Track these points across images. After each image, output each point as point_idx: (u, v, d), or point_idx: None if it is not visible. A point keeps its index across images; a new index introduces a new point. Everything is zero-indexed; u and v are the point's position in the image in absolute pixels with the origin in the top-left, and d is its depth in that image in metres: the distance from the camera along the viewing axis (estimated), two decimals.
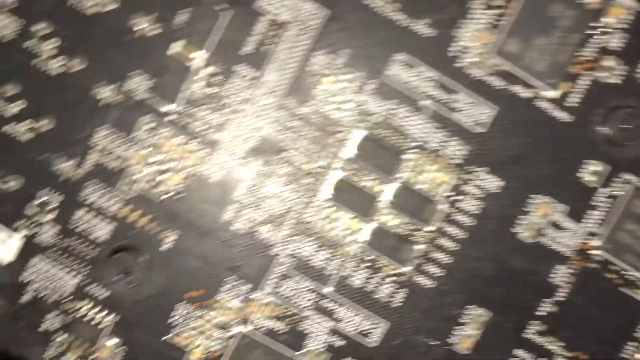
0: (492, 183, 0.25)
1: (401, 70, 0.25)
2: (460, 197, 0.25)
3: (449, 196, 0.25)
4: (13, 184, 0.24)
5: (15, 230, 0.24)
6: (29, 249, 0.24)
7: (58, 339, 0.25)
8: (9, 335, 0.25)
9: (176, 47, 0.24)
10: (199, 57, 0.24)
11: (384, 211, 0.25)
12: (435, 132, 0.25)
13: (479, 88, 0.25)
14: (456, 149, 0.25)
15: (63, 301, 0.25)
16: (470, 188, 0.25)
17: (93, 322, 0.25)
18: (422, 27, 0.25)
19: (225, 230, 0.25)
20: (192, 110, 0.24)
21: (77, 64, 0.24)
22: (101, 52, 0.24)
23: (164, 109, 0.24)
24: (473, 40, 0.25)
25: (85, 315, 0.25)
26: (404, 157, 0.25)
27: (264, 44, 0.24)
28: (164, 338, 0.25)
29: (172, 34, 0.24)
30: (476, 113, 0.25)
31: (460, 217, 0.25)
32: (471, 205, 0.25)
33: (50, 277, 0.25)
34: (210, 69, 0.24)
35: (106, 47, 0.24)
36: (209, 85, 0.24)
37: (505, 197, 0.26)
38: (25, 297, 0.25)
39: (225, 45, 0.24)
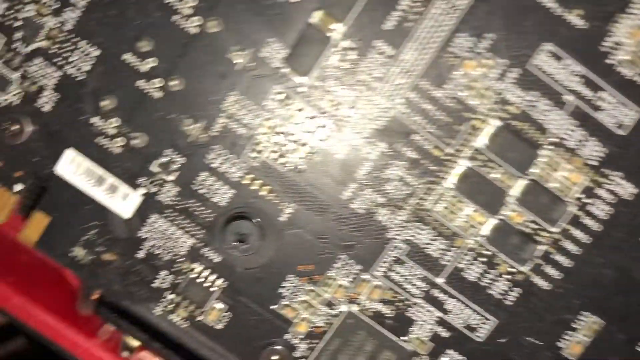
0: (626, 189, 0.24)
1: (547, 61, 0.23)
2: (590, 201, 0.24)
3: (579, 198, 0.24)
4: (138, 141, 0.24)
5: (137, 187, 0.24)
6: (149, 207, 0.24)
7: (168, 297, 0.25)
8: (122, 288, 0.25)
9: (316, 17, 0.23)
10: (337, 29, 0.23)
11: (510, 207, 0.24)
12: (574, 129, 0.24)
13: (627, 88, 0.23)
14: (594, 150, 0.24)
15: (177, 261, 0.25)
16: (602, 192, 0.24)
17: (204, 285, 0.25)
18: (575, 18, 0.23)
19: (343, 208, 0.24)
20: (324, 84, 0.24)
21: (214, 26, 0.23)
22: (239, 15, 0.23)
23: (297, 80, 0.24)
24: (628, 37, 0.23)
25: (196, 278, 0.25)
26: (538, 152, 0.24)
27: (406, 20, 0.23)
28: (272, 307, 0.25)
29: (313, 3, 0.23)
30: (620, 114, 0.24)
31: (588, 221, 0.24)
32: (601, 210, 0.24)
33: (167, 237, 0.25)
34: (347, 43, 0.23)
35: (244, 11, 0.23)
36: (343, 59, 0.23)
37: (637, 205, 0.24)
38: (141, 253, 0.25)
39: (366, 19, 0.23)
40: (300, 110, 0.24)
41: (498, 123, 0.24)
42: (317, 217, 0.24)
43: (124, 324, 0.25)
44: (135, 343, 0.29)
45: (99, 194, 0.24)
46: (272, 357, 0.25)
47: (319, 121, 0.24)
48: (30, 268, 0.30)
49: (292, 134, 0.24)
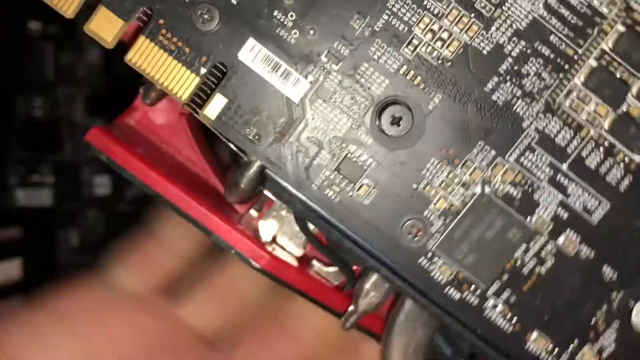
0: None
1: None
2: None
3: None
4: (311, 33, 0.27)
5: (307, 75, 0.27)
6: (315, 93, 0.28)
7: (325, 174, 0.28)
8: (293, 169, 0.28)
9: None
10: None
11: (630, 102, 0.28)
12: None
13: None
14: None
15: (335, 141, 0.28)
16: None
17: (357, 164, 0.28)
18: None
19: (485, 100, 0.28)
20: None
21: None
22: None
23: None
24: None
25: (350, 157, 0.28)
26: None
27: None
28: (414, 185, 0.28)
29: None
30: None
31: None
32: None
33: (328, 119, 0.28)
34: None
35: None
36: None
37: None
38: (304, 135, 0.28)
39: None
40: (455, 9, 0.27)
41: (622, 29, 0.28)
42: (460, 107, 0.28)
43: (285, 196, 0.28)
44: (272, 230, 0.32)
45: (273, 80, 0.27)
46: (412, 230, 0.28)
47: (470, 20, 0.27)
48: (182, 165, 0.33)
49: (446, 31, 0.27)
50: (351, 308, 0.31)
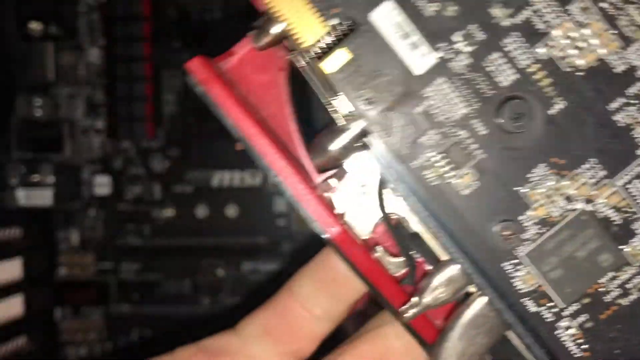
0: None
1: None
2: None
3: None
4: (450, 10, 0.27)
5: (436, 50, 0.27)
6: (439, 70, 0.27)
7: (427, 155, 0.27)
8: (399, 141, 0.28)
9: None
10: None
11: None
12: None
13: None
14: None
15: (447, 124, 0.27)
16: None
17: (465, 151, 0.27)
18: None
19: (606, 118, 0.28)
20: (625, 5, 0.28)
21: None
22: None
23: None
24: None
25: (460, 143, 0.27)
26: None
27: None
28: (516, 188, 0.28)
29: None
30: None
31: None
32: None
33: (446, 100, 0.27)
34: None
35: None
36: None
37: None
38: (419, 109, 0.27)
39: None
40: (597, 21, 0.28)
41: None
42: (580, 119, 0.28)
43: (382, 167, 0.28)
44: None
45: (400, 48, 0.27)
46: (503, 232, 0.28)
47: (610, 36, 0.28)
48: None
49: (582, 41, 0.28)
50: (415, 299, 0.29)
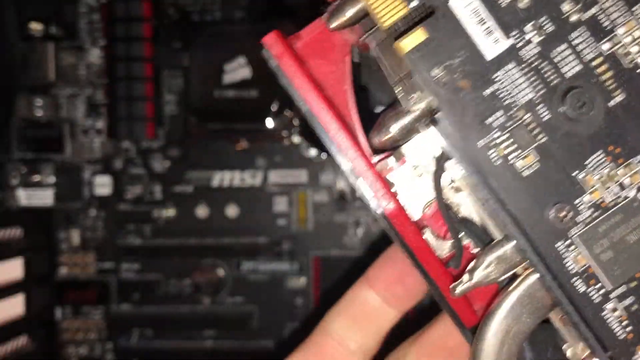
0: None
1: None
2: None
3: None
4: (526, 2, 0.29)
5: (508, 37, 0.29)
6: (509, 56, 0.29)
7: (494, 135, 0.29)
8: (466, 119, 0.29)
9: None
10: None
11: None
12: None
13: None
14: None
15: (512, 107, 0.29)
16: None
17: (528, 134, 0.29)
18: None
19: None
20: None
21: None
22: None
23: None
24: None
25: (524, 125, 0.29)
26: None
27: None
28: (574, 172, 0.30)
29: None
30: None
31: None
32: None
33: (514, 84, 0.29)
34: None
35: None
36: None
37: None
38: (487, 91, 0.29)
39: None
40: None
41: None
42: (637, 112, 0.30)
43: (447, 145, 0.29)
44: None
45: (475, 33, 0.29)
46: (559, 213, 0.29)
47: None
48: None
49: None
50: (466, 277, 0.31)
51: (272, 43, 0.31)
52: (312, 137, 0.65)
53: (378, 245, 0.70)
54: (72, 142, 0.69)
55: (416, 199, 0.33)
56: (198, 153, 0.71)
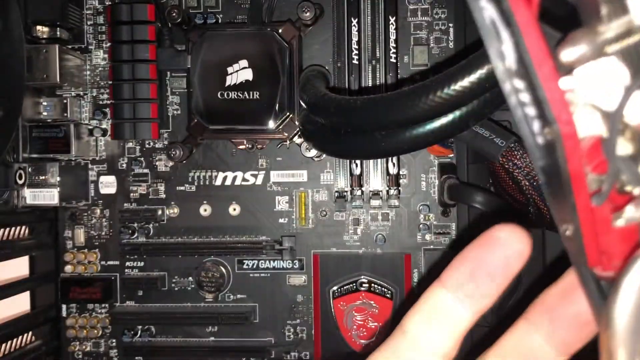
0: None
1: None
2: None
3: None
4: None
5: None
6: None
7: None
8: None
9: None
10: None
11: None
12: None
13: None
14: None
15: None
16: None
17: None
18: None
19: None
20: None
21: None
22: None
23: None
24: None
25: None
26: None
27: None
28: None
29: None
30: None
31: None
32: None
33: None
34: None
35: None
36: None
37: None
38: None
39: None
40: None
41: None
42: None
43: None
44: None
45: None
46: None
47: None
48: None
49: None
50: (630, 209, 0.27)
51: None
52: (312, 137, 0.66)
53: (378, 244, 0.72)
54: (77, 143, 0.70)
55: (587, 126, 0.30)
56: (201, 153, 0.72)
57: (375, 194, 0.70)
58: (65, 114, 0.70)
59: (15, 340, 0.66)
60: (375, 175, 0.70)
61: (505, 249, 0.30)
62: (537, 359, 0.30)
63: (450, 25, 0.70)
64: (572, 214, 0.29)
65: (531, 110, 0.27)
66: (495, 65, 0.27)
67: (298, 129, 0.67)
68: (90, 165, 0.72)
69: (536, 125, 0.27)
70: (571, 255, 0.29)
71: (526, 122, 0.27)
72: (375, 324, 0.70)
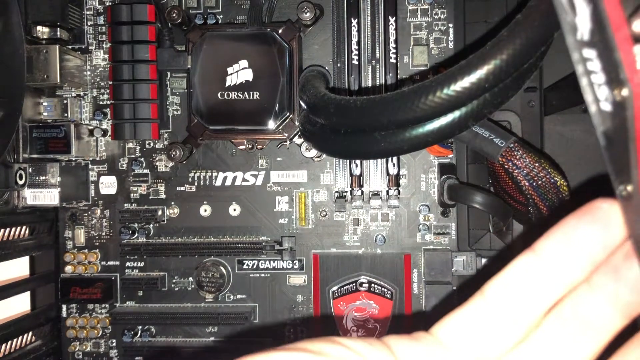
0: None
1: None
2: None
3: None
4: None
5: None
6: None
7: None
8: None
9: None
10: None
11: None
12: None
13: None
14: None
15: None
16: None
17: None
18: None
19: None
20: None
21: None
22: None
23: None
24: None
25: None
26: None
27: None
28: None
29: None
30: None
31: None
32: None
33: None
34: None
35: None
36: None
37: None
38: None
39: None
40: None
41: None
42: None
43: None
44: None
45: None
46: None
47: None
48: None
49: None
50: None
51: None
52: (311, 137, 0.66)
53: (377, 243, 0.72)
54: (78, 143, 0.70)
55: None
56: (201, 153, 0.72)
57: (375, 194, 0.70)
58: (66, 114, 0.71)
59: (15, 340, 0.66)
60: (375, 175, 0.70)
61: (607, 220, 0.29)
62: (600, 323, 0.29)
63: (450, 25, 0.70)
64: (631, 172, 0.27)
65: (599, 78, 0.27)
66: (566, 37, 0.27)
67: (298, 129, 0.67)
68: (90, 166, 0.72)
69: (603, 91, 0.27)
70: (625, 216, 0.29)
71: (591, 90, 0.27)
72: (375, 324, 0.70)
